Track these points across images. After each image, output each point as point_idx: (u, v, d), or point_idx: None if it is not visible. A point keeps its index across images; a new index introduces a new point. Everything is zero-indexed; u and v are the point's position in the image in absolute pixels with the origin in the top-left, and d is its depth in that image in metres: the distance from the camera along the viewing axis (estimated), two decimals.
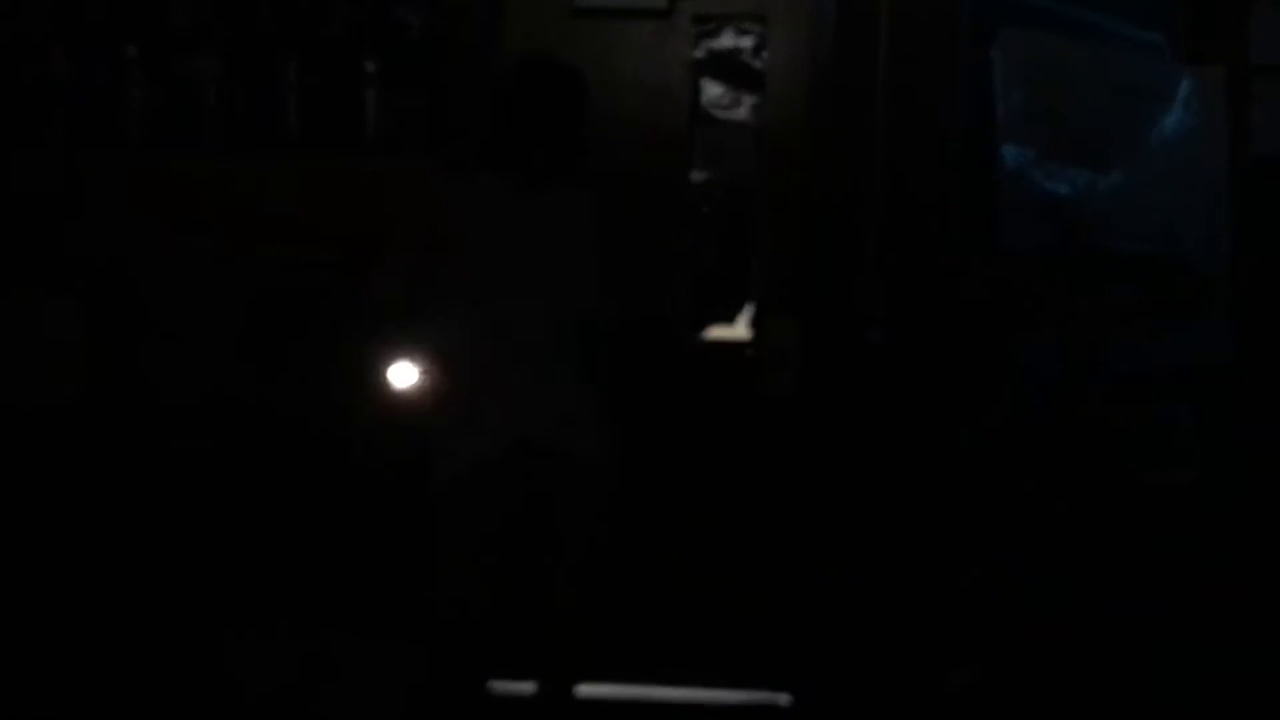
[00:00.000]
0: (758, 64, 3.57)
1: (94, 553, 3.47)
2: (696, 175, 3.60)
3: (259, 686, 3.40)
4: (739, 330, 3.59)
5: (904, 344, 3.43)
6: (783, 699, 3.55)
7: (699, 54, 3.56)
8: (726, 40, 3.57)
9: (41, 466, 3.47)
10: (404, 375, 3.00)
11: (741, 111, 3.58)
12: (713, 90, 3.58)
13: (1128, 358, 3.45)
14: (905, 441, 3.43)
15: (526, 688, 3.10)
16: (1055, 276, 3.43)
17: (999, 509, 3.39)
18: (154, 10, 3.57)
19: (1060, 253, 3.43)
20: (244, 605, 3.48)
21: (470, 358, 2.93)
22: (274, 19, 3.55)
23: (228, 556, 3.49)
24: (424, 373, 2.98)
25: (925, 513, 3.42)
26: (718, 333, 3.60)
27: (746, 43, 3.57)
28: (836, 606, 3.46)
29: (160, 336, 3.51)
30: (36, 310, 3.51)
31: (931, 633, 3.40)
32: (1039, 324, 3.43)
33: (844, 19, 3.46)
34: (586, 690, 3.39)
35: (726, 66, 3.57)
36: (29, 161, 3.54)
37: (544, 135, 2.92)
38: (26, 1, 3.56)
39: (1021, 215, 3.40)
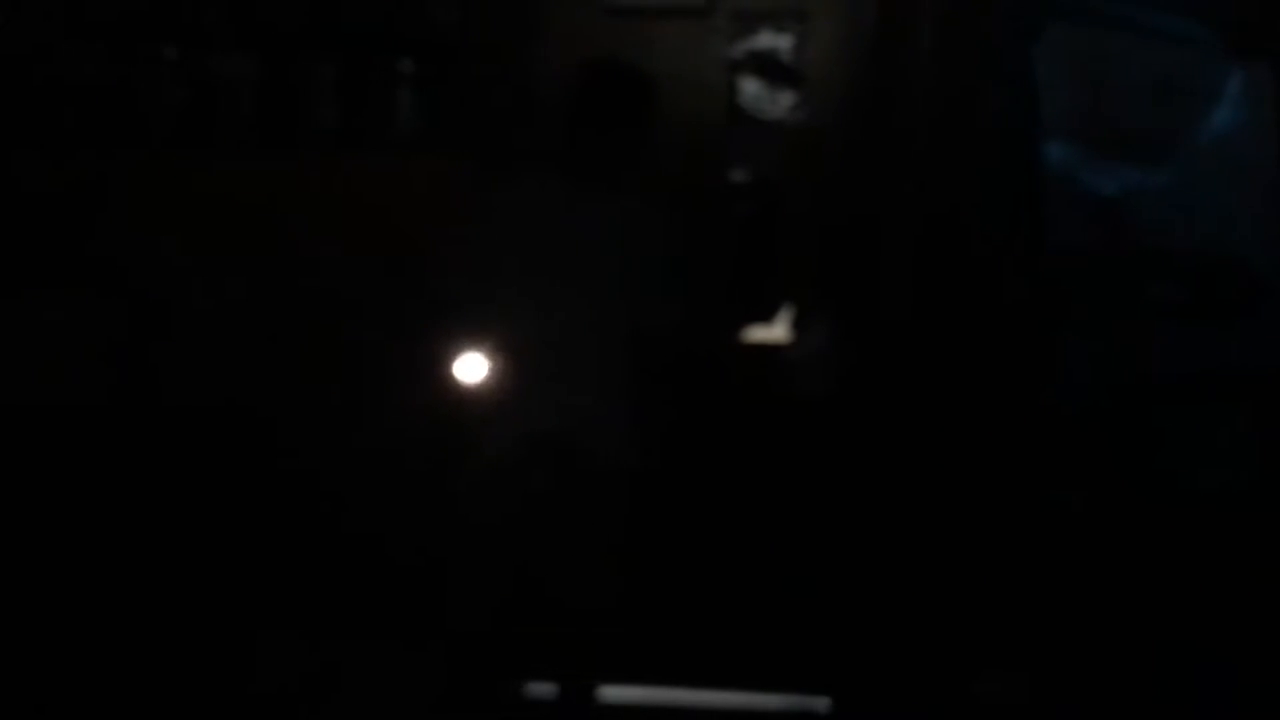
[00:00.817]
0: (796, 62, 3.51)
1: (118, 552, 3.49)
2: (734, 175, 3.56)
3: (279, 688, 3.41)
4: (777, 331, 3.55)
5: (945, 345, 3.38)
6: (821, 704, 3.53)
7: (737, 53, 3.51)
8: (765, 39, 3.51)
9: (66, 465, 3.49)
10: (469, 370, 2.99)
11: (780, 110, 3.53)
12: (751, 89, 3.53)
13: (1177, 359, 3.38)
14: (944, 443, 3.38)
15: (548, 689, 3.09)
16: (1101, 276, 3.37)
17: (1038, 513, 3.35)
18: (186, 10, 3.57)
19: (1107, 252, 3.37)
20: (264, 608, 3.49)
21: (503, 355, 2.93)
22: (308, 18, 3.54)
23: (249, 558, 3.51)
24: (483, 368, 2.97)
25: (964, 516, 3.38)
26: (756, 334, 3.57)
27: (785, 41, 3.51)
28: (876, 610, 3.43)
29: (190, 337, 3.53)
30: (66, 310, 3.52)
31: (969, 638, 3.37)
32: (1085, 325, 3.37)
33: (884, 16, 3.40)
34: (624, 694, 3.40)
35: (765, 65, 3.52)
36: (58, 162, 3.55)
37: (602, 136, 2.95)
38: (59, 2, 3.57)
39: (1067, 214, 3.35)
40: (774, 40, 3.51)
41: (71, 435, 3.50)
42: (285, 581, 3.51)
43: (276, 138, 3.54)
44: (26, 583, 3.44)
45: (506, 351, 2.94)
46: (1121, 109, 3.34)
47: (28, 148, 3.58)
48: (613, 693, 3.27)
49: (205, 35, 3.54)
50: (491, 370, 2.94)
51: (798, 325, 3.51)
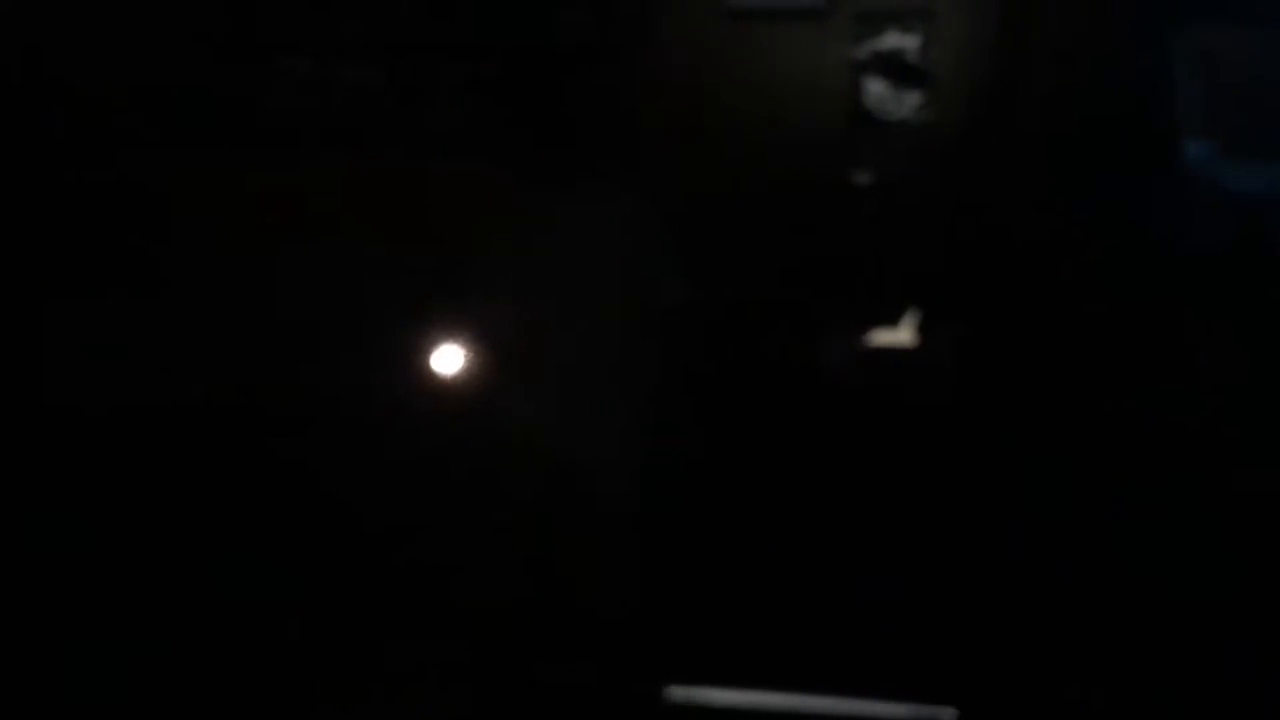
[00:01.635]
0: (923, 62, 3.45)
1: (174, 551, 3.52)
2: (859, 176, 3.51)
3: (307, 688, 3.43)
4: (902, 336, 3.51)
5: (1073, 350, 3.32)
6: (947, 714, 3.49)
7: (861, 53, 3.46)
8: (890, 39, 3.46)
9: (146, 468, 3.52)
10: (448, 361, 3.01)
11: (905, 111, 3.48)
12: (876, 89, 3.48)
13: None
14: (1070, 448, 3.33)
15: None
16: (1239, 278, 3.28)
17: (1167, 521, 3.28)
18: (310, 17, 3.62)
19: (1246, 253, 3.28)
20: (290, 606, 3.51)
21: (505, 355, 2.94)
22: (426, 25, 3.57)
23: (274, 559, 3.51)
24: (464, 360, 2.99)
25: (1091, 523, 3.32)
26: (881, 338, 3.53)
27: (911, 41, 3.45)
28: (1006, 618, 3.39)
29: (281, 338, 3.56)
30: (147, 311, 3.56)
31: (1094, 649, 3.32)
32: (1222, 328, 3.29)
33: (1009, 11, 3.33)
34: (748, 699, 3.39)
35: (890, 66, 3.46)
36: (159, 162, 3.60)
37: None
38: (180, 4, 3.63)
39: (1204, 213, 3.26)
40: (900, 40, 3.46)
41: (155, 436, 3.53)
42: (307, 581, 3.51)
43: (397, 142, 3.58)
44: (47, 582, 3.51)
45: (507, 352, 2.94)
46: (1263, 105, 3.25)
47: (154, 151, 3.64)
48: (734, 697, 3.27)
49: (333, 42, 3.59)
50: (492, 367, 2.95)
51: (923, 329, 3.47)
